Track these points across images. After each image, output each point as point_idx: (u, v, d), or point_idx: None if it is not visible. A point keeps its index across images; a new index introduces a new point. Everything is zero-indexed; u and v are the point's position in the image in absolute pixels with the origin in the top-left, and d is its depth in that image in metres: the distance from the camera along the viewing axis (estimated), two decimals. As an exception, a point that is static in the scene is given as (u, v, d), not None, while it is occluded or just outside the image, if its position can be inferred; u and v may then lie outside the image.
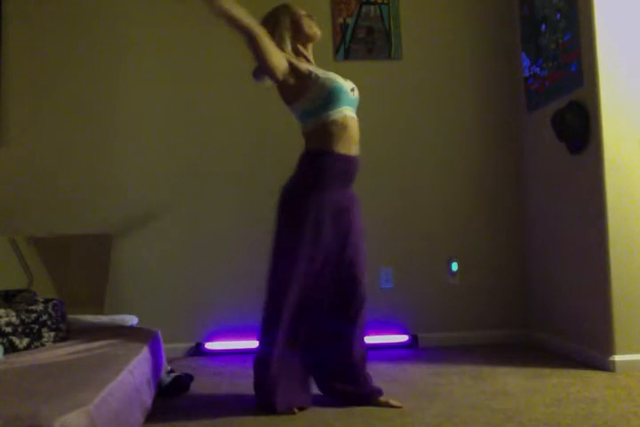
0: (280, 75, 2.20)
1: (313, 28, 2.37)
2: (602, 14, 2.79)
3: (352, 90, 2.34)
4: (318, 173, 2.23)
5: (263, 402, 2.24)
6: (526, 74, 3.47)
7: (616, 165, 2.76)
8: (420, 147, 3.61)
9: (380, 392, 2.30)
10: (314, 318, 2.27)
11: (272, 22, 2.30)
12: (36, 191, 3.42)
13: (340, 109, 2.25)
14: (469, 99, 3.65)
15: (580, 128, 2.88)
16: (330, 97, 2.23)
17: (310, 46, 2.42)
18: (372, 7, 3.62)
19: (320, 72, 2.27)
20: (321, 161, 2.24)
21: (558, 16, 3.09)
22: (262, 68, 2.22)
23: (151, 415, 2.06)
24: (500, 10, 3.69)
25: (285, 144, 3.47)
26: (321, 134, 2.25)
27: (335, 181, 2.24)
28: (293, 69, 2.23)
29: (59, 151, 3.45)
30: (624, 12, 2.81)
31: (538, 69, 3.33)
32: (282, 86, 2.28)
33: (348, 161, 2.26)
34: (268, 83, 2.34)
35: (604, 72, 2.77)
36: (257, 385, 2.27)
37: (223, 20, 2.08)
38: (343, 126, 2.24)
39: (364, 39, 3.61)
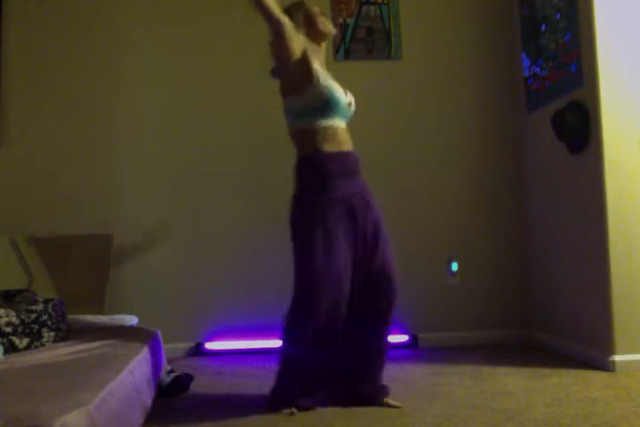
0: (292, 61, 2.22)
1: (327, 26, 2.38)
2: (602, 14, 2.79)
3: (349, 104, 2.34)
4: (316, 174, 2.23)
5: (276, 400, 2.23)
6: (526, 74, 3.47)
7: (616, 165, 2.76)
8: (420, 147, 3.61)
9: (387, 391, 2.29)
10: (341, 319, 2.22)
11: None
12: (36, 191, 3.42)
13: (332, 120, 2.26)
14: (469, 99, 3.65)
15: (580, 128, 2.88)
16: (325, 106, 2.23)
17: (324, 45, 2.42)
18: (372, 7, 3.62)
19: (323, 77, 2.26)
20: (315, 162, 2.24)
21: (558, 16, 3.09)
22: (279, 52, 2.24)
23: (151, 415, 2.06)
24: (500, 10, 3.69)
25: (285, 144, 3.45)
26: (308, 138, 2.26)
27: (336, 177, 2.23)
28: (306, 63, 2.23)
29: (59, 151, 3.45)
30: (624, 12, 2.81)
31: (538, 69, 3.33)
32: (284, 76, 2.28)
33: (342, 156, 2.26)
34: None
35: (604, 72, 2.77)
36: (279, 382, 2.26)
37: (256, 9, 2.14)
38: (329, 135, 2.25)
39: (364, 39, 3.61)
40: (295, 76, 2.25)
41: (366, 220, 2.26)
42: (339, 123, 2.29)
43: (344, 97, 2.30)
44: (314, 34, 2.35)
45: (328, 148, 2.24)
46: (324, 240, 2.17)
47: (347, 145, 2.29)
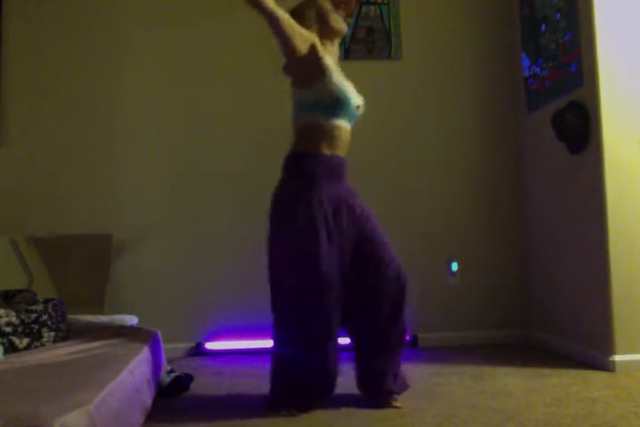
0: (299, 56, 2.19)
1: (339, 23, 2.36)
2: (602, 14, 2.79)
3: (357, 107, 2.32)
4: (305, 174, 2.23)
5: (275, 402, 2.23)
6: (526, 74, 3.47)
7: (616, 165, 2.76)
8: (420, 147, 3.61)
9: (398, 390, 2.28)
10: (330, 318, 2.18)
11: (298, 16, 2.26)
12: (36, 191, 3.42)
13: (338, 120, 2.24)
14: (469, 99, 3.65)
15: (580, 128, 2.88)
16: (335, 104, 2.22)
17: (337, 42, 2.40)
18: (372, 7, 3.62)
19: (335, 75, 2.24)
20: (306, 163, 2.23)
21: (558, 16, 3.09)
22: (283, 49, 2.20)
23: (151, 415, 2.06)
24: (500, 10, 3.69)
25: (285, 144, 3.45)
26: (310, 135, 2.25)
27: (323, 180, 2.22)
28: (315, 58, 2.21)
29: (59, 151, 3.45)
30: (624, 12, 2.81)
31: (538, 69, 3.33)
32: (296, 68, 2.26)
33: (333, 160, 2.25)
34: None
35: (604, 72, 2.77)
36: (275, 384, 2.25)
37: (249, 5, 2.09)
38: (333, 135, 2.24)
39: (364, 39, 3.61)
40: (306, 71, 2.23)
41: (355, 222, 2.25)
42: (344, 124, 2.28)
43: (354, 98, 2.28)
44: (326, 31, 2.33)
45: (326, 149, 2.23)
46: (305, 238, 2.15)
47: (343, 149, 2.29)
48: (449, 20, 3.67)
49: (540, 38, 3.30)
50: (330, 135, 2.24)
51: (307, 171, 2.23)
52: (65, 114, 3.47)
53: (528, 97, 3.47)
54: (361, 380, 2.32)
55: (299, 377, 2.20)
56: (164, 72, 3.52)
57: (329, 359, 2.21)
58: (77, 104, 3.47)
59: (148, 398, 2.05)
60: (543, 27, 3.25)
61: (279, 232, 2.24)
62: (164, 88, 3.52)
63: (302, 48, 2.19)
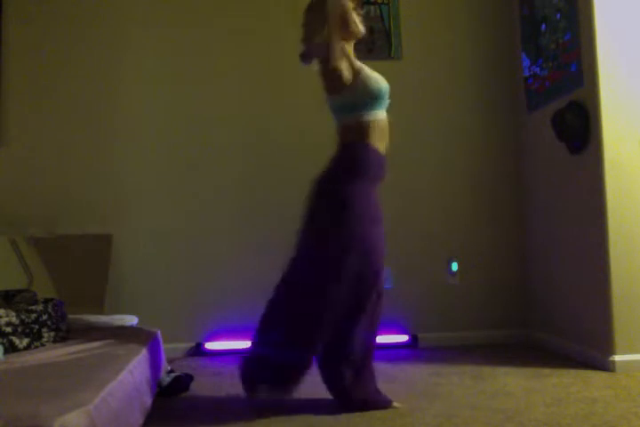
0: (347, 81, 2.21)
1: (359, 26, 2.33)
2: (602, 14, 2.79)
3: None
4: (356, 161, 2.22)
5: (248, 381, 2.24)
6: (526, 74, 3.47)
7: (616, 165, 2.76)
8: (420, 147, 3.61)
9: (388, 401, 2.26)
10: (328, 319, 2.16)
11: (319, 14, 2.22)
12: (36, 191, 3.42)
13: (380, 111, 2.25)
14: (469, 99, 3.65)
15: (580, 128, 2.88)
16: (374, 97, 2.22)
17: (352, 42, 2.38)
18: (372, 7, 3.62)
19: (369, 70, 2.26)
20: (357, 150, 2.23)
21: (558, 16, 3.09)
22: (333, 79, 2.22)
23: (151, 415, 2.06)
24: (500, 10, 3.69)
25: (285, 144, 3.48)
26: (357, 130, 2.23)
27: (370, 171, 2.22)
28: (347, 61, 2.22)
29: (59, 151, 3.45)
30: (624, 12, 2.81)
31: (538, 69, 3.33)
32: (329, 76, 2.23)
33: (380, 155, 2.26)
34: (315, 66, 2.28)
35: (604, 72, 2.77)
36: (249, 368, 2.26)
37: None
38: (379, 128, 2.25)
39: (364, 39, 3.58)
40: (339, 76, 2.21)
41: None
42: (383, 113, 2.29)
43: (387, 86, 2.29)
44: (344, 33, 2.28)
45: (373, 142, 2.23)
46: (346, 239, 2.15)
47: (385, 146, 2.30)
48: (449, 20, 3.67)
49: (540, 38, 3.30)
50: (375, 128, 2.23)
51: (357, 158, 2.21)
52: (65, 114, 3.46)
53: (528, 97, 3.46)
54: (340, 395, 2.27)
55: (275, 364, 2.17)
56: (163, 72, 3.52)
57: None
58: (77, 104, 3.47)
59: (148, 398, 2.05)
60: (543, 27, 3.25)
61: (334, 225, 2.17)
62: (164, 88, 3.51)
63: (350, 74, 2.21)
